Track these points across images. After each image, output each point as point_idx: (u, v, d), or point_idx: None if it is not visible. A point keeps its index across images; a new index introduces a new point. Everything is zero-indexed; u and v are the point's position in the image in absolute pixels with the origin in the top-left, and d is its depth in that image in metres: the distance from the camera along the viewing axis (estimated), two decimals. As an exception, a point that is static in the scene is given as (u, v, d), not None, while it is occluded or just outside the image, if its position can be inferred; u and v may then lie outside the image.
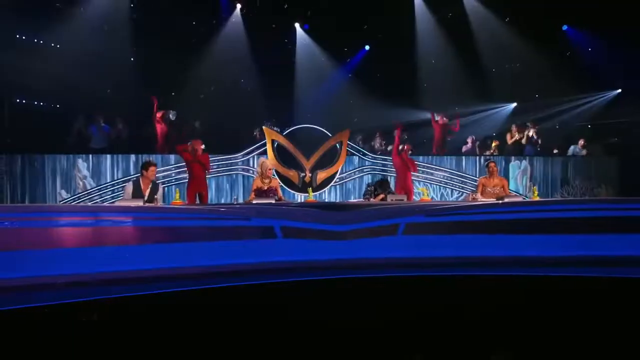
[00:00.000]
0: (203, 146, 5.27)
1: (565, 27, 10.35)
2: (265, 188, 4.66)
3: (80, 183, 6.54)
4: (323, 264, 4.08)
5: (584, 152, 8.20)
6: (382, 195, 4.91)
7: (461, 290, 4.13)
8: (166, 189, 6.45)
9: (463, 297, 4.08)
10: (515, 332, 3.83)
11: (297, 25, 9.85)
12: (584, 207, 4.60)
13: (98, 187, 6.56)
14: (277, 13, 9.24)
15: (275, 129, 6.82)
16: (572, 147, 8.39)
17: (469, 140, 8.67)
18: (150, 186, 4.40)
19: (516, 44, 9.59)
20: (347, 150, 6.95)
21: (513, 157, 7.84)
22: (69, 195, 6.51)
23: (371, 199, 4.98)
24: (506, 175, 7.68)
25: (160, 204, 4.49)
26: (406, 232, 4.29)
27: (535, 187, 5.26)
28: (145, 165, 4.40)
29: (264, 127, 6.75)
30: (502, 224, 4.28)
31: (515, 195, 5.30)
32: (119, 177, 6.63)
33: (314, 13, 9.62)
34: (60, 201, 6.49)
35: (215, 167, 6.54)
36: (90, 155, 6.60)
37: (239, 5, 9.14)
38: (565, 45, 10.22)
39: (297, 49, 9.49)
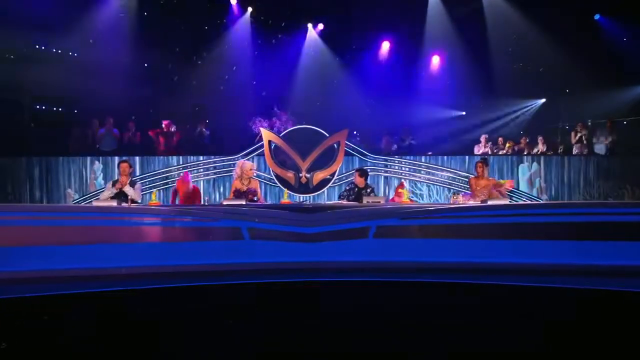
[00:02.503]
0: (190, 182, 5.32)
1: (597, 17, 9.72)
2: (244, 189, 4.73)
3: (92, 183, 6.93)
4: (288, 265, 4.08)
5: (604, 150, 7.64)
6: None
7: (428, 296, 4.00)
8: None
9: (429, 303, 3.95)
10: (482, 340, 3.67)
11: (309, 25, 9.88)
12: (572, 211, 4.31)
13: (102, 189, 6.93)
14: (288, 14, 9.33)
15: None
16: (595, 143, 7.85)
17: (482, 139, 8.32)
18: (127, 184, 4.62)
19: (543, 36, 9.09)
20: (347, 150, 6.89)
21: (525, 158, 7.44)
22: (79, 196, 6.92)
23: (345, 201, 4.92)
24: (514, 178, 7.30)
25: (138, 200, 4.69)
26: (377, 235, 4.20)
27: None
28: (119, 164, 4.65)
29: (261, 129, 6.84)
30: (477, 228, 4.09)
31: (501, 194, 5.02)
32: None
33: (326, 14, 9.64)
34: (72, 201, 6.91)
35: (213, 168, 6.71)
36: (100, 157, 6.97)
37: (249, 9, 9.31)
38: (598, 35, 9.57)
39: (308, 50, 9.52)
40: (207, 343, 3.56)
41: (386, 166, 7.02)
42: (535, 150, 8.08)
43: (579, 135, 7.94)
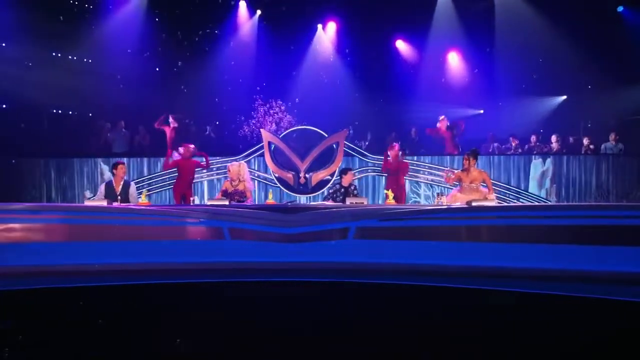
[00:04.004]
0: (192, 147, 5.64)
1: (621, 9, 9.24)
2: (231, 190, 4.83)
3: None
4: (267, 265, 4.14)
5: (617, 149, 7.24)
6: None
7: (406, 298, 3.96)
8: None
9: (407, 305, 3.92)
10: (460, 343, 3.62)
11: (319, 26, 9.91)
12: (560, 214, 4.15)
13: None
14: (298, 15, 9.39)
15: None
16: (603, 145, 7.46)
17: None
18: (122, 185, 4.80)
19: (563, 30, 8.73)
20: (346, 150, 6.88)
21: (535, 156, 7.18)
22: (92, 195, 7.25)
23: (331, 202, 4.92)
24: (526, 176, 7.06)
25: (133, 201, 4.87)
26: (357, 236, 4.19)
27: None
28: (115, 165, 4.84)
29: (261, 130, 6.94)
30: (458, 230, 4.00)
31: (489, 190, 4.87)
32: (134, 177, 7.24)
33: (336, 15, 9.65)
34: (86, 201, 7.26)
35: (215, 169, 6.87)
36: (110, 159, 7.28)
37: (258, 12, 9.45)
38: (622, 28, 9.11)
39: (316, 50, 9.55)
40: (184, 337, 3.68)
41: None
42: (547, 149, 7.77)
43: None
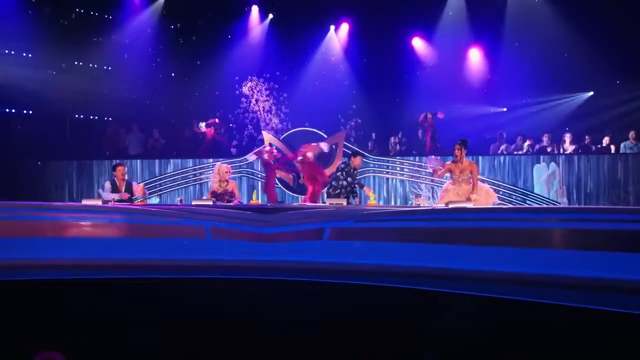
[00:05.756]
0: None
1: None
2: (220, 191, 5.01)
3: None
4: (244, 263, 4.28)
5: (638, 148, 6.79)
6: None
7: (379, 300, 3.97)
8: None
9: (379, 307, 3.93)
10: (434, 345, 3.64)
11: (332, 27, 9.97)
12: (537, 216, 4.03)
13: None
14: (310, 17, 9.51)
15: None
16: (623, 144, 7.03)
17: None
18: (124, 184, 5.12)
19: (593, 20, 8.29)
20: (346, 152, 6.92)
21: (541, 157, 6.90)
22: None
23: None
24: (531, 180, 6.80)
25: (140, 199, 5.17)
26: (332, 237, 4.24)
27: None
28: (114, 167, 5.16)
29: (263, 132, 7.12)
30: (434, 232, 3.96)
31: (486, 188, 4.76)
32: (147, 178, 7.63)
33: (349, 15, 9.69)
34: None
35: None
36: (125, 160, 7.71)
37: (270, 15, 9.65)
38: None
39: (328, 51, 9.62)
40: (165, 330, 3.89)
41: (388, 167, 6.94)
42: (558, 150, 7.42)
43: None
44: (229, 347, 3.65)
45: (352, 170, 5.23)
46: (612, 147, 7.22)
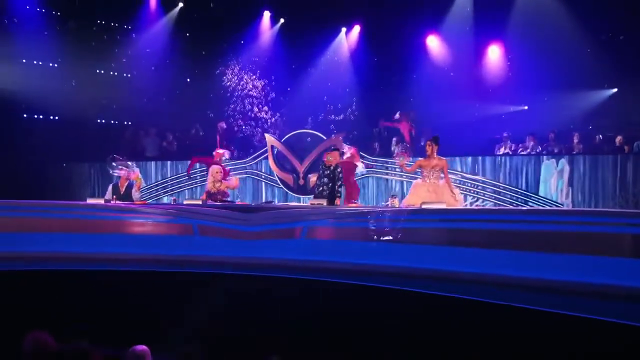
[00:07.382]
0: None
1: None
2: (214, 191, 5.27)
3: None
4: (227, 260, 4.51)
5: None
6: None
7: (353, 298, 4.08)
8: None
9: (353, 306, 4.05)
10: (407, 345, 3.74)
11: (343, 29, 10.06)
12: (517, 218, 4.03)
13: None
14: (320, 20, 9.65)
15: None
16: (636, 143, 6.70)
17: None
18: (126, 185, 5.48)
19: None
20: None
21: (547, 156, 6.71)
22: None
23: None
24: (537, 178, 6.62)
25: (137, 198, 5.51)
26: (309, 235, 4.40)
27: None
28: None
29: (265, 135, 7.35)
30: (405, 232, 4.04)
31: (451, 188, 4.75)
32: (159, 179, 8.07)
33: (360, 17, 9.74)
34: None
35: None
36: (141, 162, 8.17)
37: (282, 20, 9.88)
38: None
39: (339, 53, 9.72)
40: (153, 319, 4.17)
41: (387, 168, 6.97)
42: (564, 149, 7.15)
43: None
44: (209, 336, 3.87)
45: (332, 169, 5.24)
46: (626, 148, 6.91)
